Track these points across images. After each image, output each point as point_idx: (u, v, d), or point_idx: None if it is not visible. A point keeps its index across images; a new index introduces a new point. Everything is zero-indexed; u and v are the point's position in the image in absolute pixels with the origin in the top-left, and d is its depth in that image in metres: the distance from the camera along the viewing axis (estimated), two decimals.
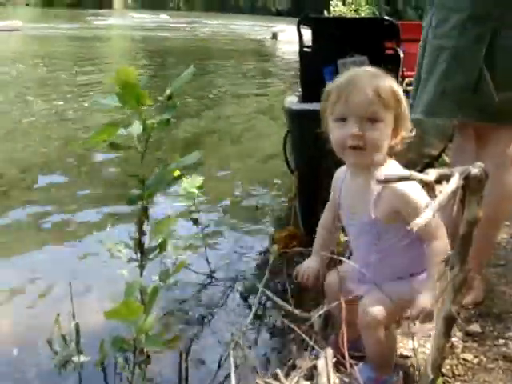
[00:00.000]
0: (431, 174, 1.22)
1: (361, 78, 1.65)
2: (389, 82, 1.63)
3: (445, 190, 1.17)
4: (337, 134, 1.65)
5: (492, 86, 1.96)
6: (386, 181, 1.16)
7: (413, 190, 1.59)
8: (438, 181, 1.23)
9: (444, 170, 1.26)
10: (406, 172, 1.19)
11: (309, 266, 1.90)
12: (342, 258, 1.77)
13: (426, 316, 1.51)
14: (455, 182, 1.21)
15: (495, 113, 2.01)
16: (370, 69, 1.69)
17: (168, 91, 1.77)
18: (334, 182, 1.86)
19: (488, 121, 2.06)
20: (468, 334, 2.16)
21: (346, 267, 1.83)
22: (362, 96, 1.61)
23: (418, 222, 1.11)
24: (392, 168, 1.67)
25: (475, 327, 2.19)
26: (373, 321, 1.65)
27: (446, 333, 1.35)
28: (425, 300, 1.52)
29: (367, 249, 1.73)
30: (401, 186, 1.59)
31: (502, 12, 1.94)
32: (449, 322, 1.34)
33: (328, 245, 1.95)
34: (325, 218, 1.96)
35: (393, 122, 1.63)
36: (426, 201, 1.53)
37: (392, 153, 1.69)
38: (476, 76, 1.96)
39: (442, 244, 1.60)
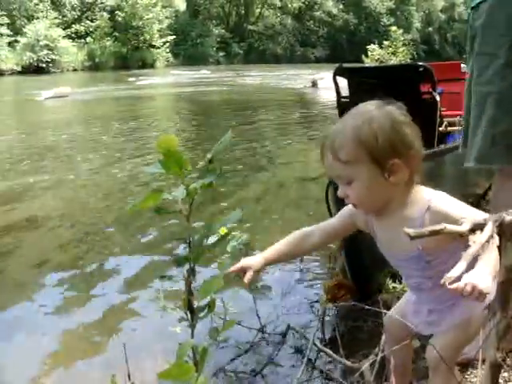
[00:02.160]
0: (465, 225, 1.25)
1: (329, 137, 1.58)
2: (355, 131, 1.52)
3: (478, 240, 1.20)
4: None
5: None
6: (417, 236, 1.18)
7: (453, 204, 1.55)
8: (473, 230, 1.25)
9: (478, 219, 1.28)
10: (439, 225, 1.21)
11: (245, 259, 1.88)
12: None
13: (473, 291, 1.32)
14: (489, 230, 1.24)
15: None
16: (359, 112, 1.58)
17: (209, 155, 1.85)
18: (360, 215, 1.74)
19: None
20: None
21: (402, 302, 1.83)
22: (326, 162, 1.59)
23: (452, 276, 1.13)
24: (417, 205, 1.58)
25: None
26: (442, 362, 1.62)
27: (493, 381, 1.35)
28: (473, 274, 1.30)
29: (418, 277, 1.66)
30: (442, 203, 1.55)
31: None
32: (494, 370, 1.34)
33: (296, 245, 1.88)
34: (322, 224, 1.85)
35: (379, 168, 1.52)
36: (472, 210, 1.52)
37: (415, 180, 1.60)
38: None
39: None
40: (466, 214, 1.48)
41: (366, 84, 4.13)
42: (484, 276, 1.31)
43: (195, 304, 1.92)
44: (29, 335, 3.06)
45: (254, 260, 1.87)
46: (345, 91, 4.35)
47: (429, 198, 1.58)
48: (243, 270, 1.86)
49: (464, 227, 1.25)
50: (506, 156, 2.08)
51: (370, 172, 1.52)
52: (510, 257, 1.31)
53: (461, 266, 1.14)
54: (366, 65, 24.17)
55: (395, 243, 1.63)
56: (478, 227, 1.26)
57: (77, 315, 3.29)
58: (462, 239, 1.52)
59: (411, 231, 1.17)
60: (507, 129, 2.04)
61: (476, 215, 1.49)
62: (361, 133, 1.50)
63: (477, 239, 1.22)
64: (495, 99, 2.05)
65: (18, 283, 3.78)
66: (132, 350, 2.43)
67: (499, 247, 1.33)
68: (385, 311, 1.78)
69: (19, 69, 37.88)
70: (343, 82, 4.33)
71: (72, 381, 2.59)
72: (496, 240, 1.25)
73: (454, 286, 1.32)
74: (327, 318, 2.90)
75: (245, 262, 1.87)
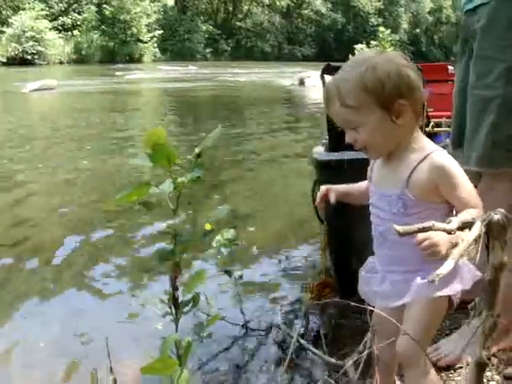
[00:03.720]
0: (453, 223, 1.25)
1: (332, 84, 1.63)
2: (359, 78, 1.56)
3: (466, 238, 1.20)
4: None
5: None
6: (406, 233, 1.18)
7: (453, 165, 1.60)
8: (461, 228, 1.25)
9: (466, 218, 1.29)
10: (427, 223, 1.21)
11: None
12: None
13: (430, 246, 1.42)
14: (477, 229, 1.24)
15: None
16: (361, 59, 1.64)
17: (197, 150, 1.83)
18: (373, 164, 1.82)
19: None
20: (507, 378, 2.14)
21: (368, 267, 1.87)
22: (332, 109, 1.65)
23: (441, 273, 1.13)
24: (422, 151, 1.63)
25: None
26: (411, 358, 1.66)
27: (478, 379, 1.35)
28: (438, 236, 1.41)
29: (390, 222, 1.63)
30: (442, 158, 1.60)
31: None
32: (480, 368, 1.34)
33: (360, 190, 1.91)
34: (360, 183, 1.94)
35: (386, 112, 1.57)
36: (463, 178, 1.57)
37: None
38: None
39: (479, 212, 1.54)
40: (463, 179, 1.59)
41: None
42: (446, 238, 1.40)
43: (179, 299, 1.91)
44: (9, 326, 3.03)
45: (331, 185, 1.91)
46: None
47: (431, 149, 1.63)
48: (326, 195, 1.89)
49: (452, 225, 1.25)
50: (506, 160, 2.09)
51: (378, 116, 1.58)
52: (497, 256, 1.31)
53: (449, 264, 1.14)
54: None
55: (386, 179, 1.71)
56: (466, 226, 1.26)
57: (57, 308, 3.27)
58: (451, 199, 1.60)
59: (400, 228, 1.16)
60: (508, 134, 2.06)
61: (471, 187, 1.59)
62: (367, 79, 1.55)
63: (465, 237, 1.22)
64: (498, 104, 2.05)
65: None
66: (114, 345, 2.41)
67: (487, 246, 1.33)
68: (370, 308, 1.78)
69: (4, 60, 37.53)
70: None
71: (53, 375, 2.56)
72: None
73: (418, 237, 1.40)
74: (311, 316, 2.90)
75: (324, 188, 1.90)
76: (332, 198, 1.87)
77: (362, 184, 1.90)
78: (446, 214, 1.62)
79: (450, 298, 1.69)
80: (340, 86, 1.59)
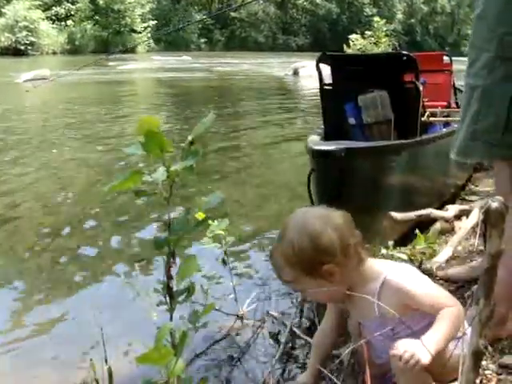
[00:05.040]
0: (450, 210, 1.24)
1: (273, 259, 1.76)
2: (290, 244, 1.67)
3: (464, 225, 1.19)
4: None
5: None
6: (403, 220, 1.17)
7: (408, 281, 1.66)
8: (458, 216, 1.24)
9: (463, 206, 1.28)
10: (425, 210, 1.20)
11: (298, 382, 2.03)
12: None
13: (410, 358, 1.52)
14: (475, 216, 1.23)
15: None
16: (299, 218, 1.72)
17: (190, 137, 1.81)
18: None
19: None
20: (502, 367, 2.13)
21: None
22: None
23: (439, 260, 1.12)
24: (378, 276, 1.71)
25: (509, 359, 2.16)
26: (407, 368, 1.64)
27: (475, 368, 1.34)
28: (415, 344, 1.53)
29: (386, 345, 1.71)
30: (397, 280, 1.67)
31: None
32: (477, 357, 1.33)
33: (323, 356, 2.02)
34: (324, 323, 2.03)
35: (318, 278, 1.66)
36: (426, 282, 1.65)
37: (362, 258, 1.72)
38: (505, 115, 1.97)
39: (455, 310, 1.63)
40: (421, 290, 1.65)
41: (350, 72, 4.11)
42: (425, 348, 1.51)
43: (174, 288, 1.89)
44: (4, 318, 3.02)
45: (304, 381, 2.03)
46: (328, 79, 4.32)
47: (383, 272, 1.71)
48: None
49: (450, 213, 1.24)
50: (482, 152, 2.09)
51: (311, 282, 1.69)
52: (494, 244, 1.30)
53: (446, 252, 1.13)
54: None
55: (362, 313, 1.78)
56: (463, 213, 1.25)
57: (52, 299, 3.26)
58: (422, 309, 1.66)
59: (398, 215, 1.15)
60: (487, 126, 2.03)
61: (432, 291, 1.67)
62: (289, 258, 1.67)
63: (463, 225, 1.20)
64: (480, 93, 2.04)
65: None
66: (109, 335, 2.39)
67: (484, 234, 1.32)
68: (364, 296, 1.79)
69: None
70: (326, 70, 4.31)
71: (49, 365, 2.55)
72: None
73: (395, 351, 1.53)
74: (306, 305, 2.89)
75: None
76: None
77: (328, 324, 2.00)
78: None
79: None
80: (275, 263, 1.75)
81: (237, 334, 2.74)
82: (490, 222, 1.28)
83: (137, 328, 2.73)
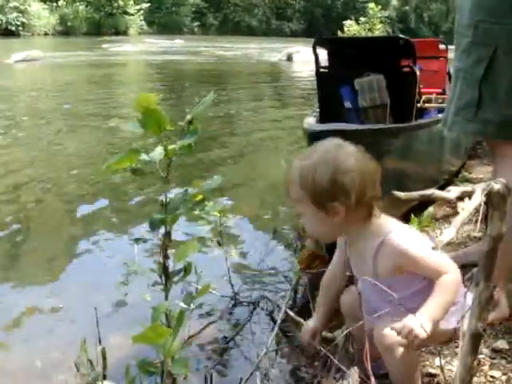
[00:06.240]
0: (453, 192, 1.23)
1: (289, 174, 1.71)
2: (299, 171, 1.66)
3: (467, 207, 1.18)
4: None
5: (491, 104, 2.15)
6: (407, 199, 1.16)
7: (408, 243, 1.65)
8: (460, 198, 1.23)
9: (466, 188, 1.27)
10: (428, 191, 1.19)
11: (306, 327, 2.03)
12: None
13: (408, 334, 1.53)
14: (477, 198, 1.22)
15: (499, 129, 2.17)
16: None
17: (189, 116, 1.79)
18: (339, 240, 1.91)
19: (493, 136, 2.27)
20: (495, 351, 2.15)
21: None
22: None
23: (443, 239, 1.11)
24: (380, 230, 1.71)
25: (502, 344, 2.17)
26: (389, 344, 1.64)
27: (473, 350, 1.35)
28: (413, 319, 1.54)
29: (378, 300, 1.75)
30: (397, 241, 1.66)
31: (498, 41, 2.11)
32: (475, 339, 1.33)
33: (332, 297, 2.01)
34: (333, 263, 2.00)
35: (321, 210, 1.64)
36: (427, 247, 1.61)
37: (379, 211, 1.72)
38: (477, 94, 2.16)
39: (453, 276, 1.63)
40: (421, 253, 1.64)
41: (346, 55, 4.09)
42: (423, 321, 1.52)
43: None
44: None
45: (314, 325, 2.02)
46: (324, 63, 4.30)
47: (385, 232, 1.69)
48: (312, 335, 2.01)
49: (452, 194, 1.23)
50: (461, 127, 2.28)
51: (313, 211, 1.66)
52: (495, 226, 1.29)
53: (450, 231, 1.12)
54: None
55: (359, 266, 1.79)
56: (465, 195, 1.24)
57: (48, 278, 3.24)
58: (419, 272, 1.67)
59: (401, 194, 1.15)
60: (465, 103, 2.21)
61: (432, 255, 1.63)
62: (304, 178, 1.64)
63: (465, 206, 1.20)
64: (462, 74, 2.23)
65: None
66: (103, 315, 2.39)
67: (486, 216, 1.32)
68: (357, 277, 1.81)
69: None
70: (322, 54, 4.29)
71: (42, 345, 2.54)
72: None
73: (393, 326, 1.53)
74: (300, 288, 2.90)
75: (308, 329, 2.02)
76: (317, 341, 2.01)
77: (337, 264, 1.97)
78: (430, 280, 1.67)
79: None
80: (288, 176, 1.70)
81: (231, 316, 2.74)
82: (492, 204, 1.28)
83: (130, 309, 2.72)
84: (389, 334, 1.61)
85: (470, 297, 1.61)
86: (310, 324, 2.02)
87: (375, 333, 1.69)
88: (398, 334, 1.54)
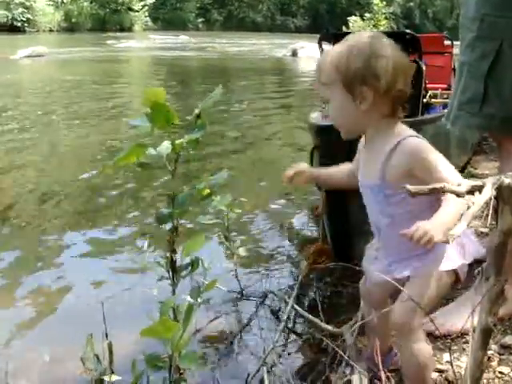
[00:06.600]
0: (463, 186, 1.22)
1: (321, 59, 1.71)
2: (334, 57, 1.63)
3: (477, 201, 1.17)
4: None
5: (496, 98, 2.14)
6: (416, 193, 1.15)
7: (426, 147, 1.63)
8: (471, 192, 1.22)
9: (476, 181, 1.26)
10: (438, 184, 1.18)
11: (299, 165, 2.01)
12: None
13: (423, 235, 1.43)
14: (487, 192, 1.21)
15: (504, 123, 2.16)
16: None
17: (197, 111, 1.79)
18: (359, 145, 1.87)
19: (497, 131, 2.28)
20: (504, 347, 2.14)
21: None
22: (317, 83, 1.73)
23: (453, 233, 1.10)
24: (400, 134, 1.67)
25: (510, 339, 2.17)
26: (405, 326, 1.66)
27: (484, 345, 1.34)
28: (426, 223, 1.46)
29: (377, 212, 1.74)
30: (416, 142, 1.63)
31: (504, 35, 2.10)
32: (486, 335, 1.32)
33: (334, 175, 2.01)
34: (343, 166, 1.98)
35: (350, 95, 1.62)
36: (439, 158, 1.59)
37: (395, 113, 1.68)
38: (482, 90, 2.15)
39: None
40: (435, 159, 1.59)
41: None
42: (438, 224, 1.44)
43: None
44: (2, 293, 3.01)
45: (305, 167, 2.03)
46: None
47: (404, 135, 1.66)
48: (296, 173, 1.97)
49: (461, 188, 1.22)
50: (464, 121, 2.26)
51: (343, 95, 1.64)
52: (506, 220, 1.28)
53: (461, 226, 1.11)
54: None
55: (366, 169, 1.76)
56: (476, 189, 1.23)
57: (53, 273, 3.23)
58: (429, 179, 1.54)
59: (411, 188, 1.14)
60: (469, 98, 2.20)
61: (445, 165, 1.59)
62: (339, 59, 1.62)
63: (475, 200, 1.19)
64: (467, 68, 2.22)
65: None
66: (110, 310, 2.38)
67: (496, 211, 1.30)
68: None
69: None
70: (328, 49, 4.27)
71: (49, 340, 2.54)
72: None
73: (406, 231, 1.44)
74: (307, 283, 2.89)
75: (298, 167, 1.99)
76: (299, 182, 1.98)
77: (346, 168, 1.94)
78: (432, 201, 1.62)
79: (456, 272, 1.68)
80: (321, 64, 1.68)
81: (238, 311, 2.74)
82: (503, 198, 1.27)
83: (138, 304, 2.72)
84: (402, 310, 1.63)
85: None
86: (302, 165, 2.03)
87: (391, 314, 1.70)
88: (411, 238, 1.44)
